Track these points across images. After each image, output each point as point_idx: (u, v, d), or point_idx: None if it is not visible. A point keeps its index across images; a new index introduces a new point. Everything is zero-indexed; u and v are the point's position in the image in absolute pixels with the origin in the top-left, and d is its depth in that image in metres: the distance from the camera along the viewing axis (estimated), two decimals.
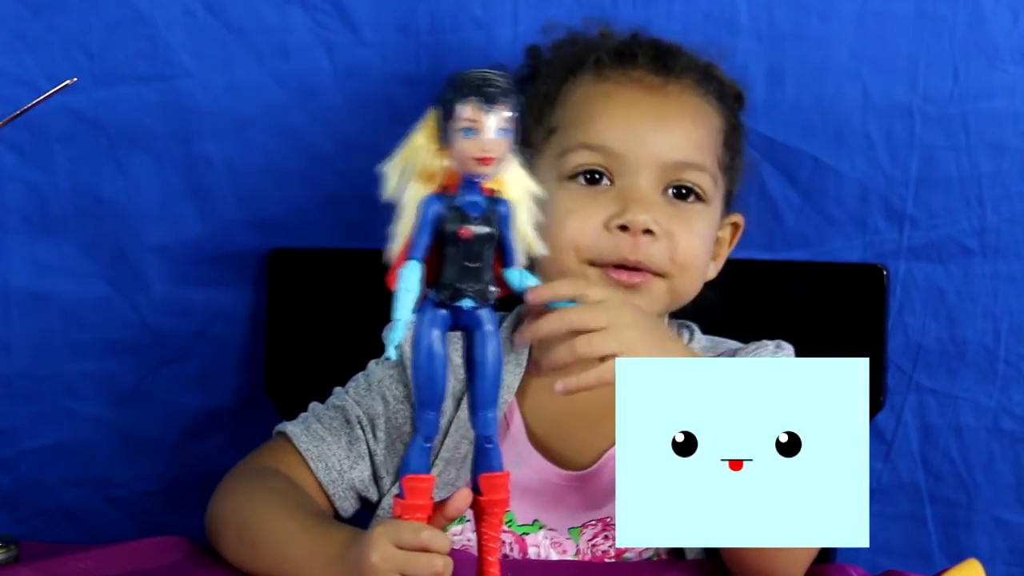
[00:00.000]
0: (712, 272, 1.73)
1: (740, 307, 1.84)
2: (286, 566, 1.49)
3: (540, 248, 1.34)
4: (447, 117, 1.28)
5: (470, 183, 1.30)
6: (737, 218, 1.75)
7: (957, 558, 1.61)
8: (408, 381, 1.66)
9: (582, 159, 1.64)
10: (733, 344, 1.73)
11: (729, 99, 1.74)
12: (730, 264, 1.75)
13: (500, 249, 1.32)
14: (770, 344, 1.69)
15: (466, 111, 1.27)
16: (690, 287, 1.68)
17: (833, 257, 1.90)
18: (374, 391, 1.67)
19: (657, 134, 1.65)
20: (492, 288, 1.32)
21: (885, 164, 1.88)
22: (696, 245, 1.66)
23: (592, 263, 1.63)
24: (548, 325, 1.42)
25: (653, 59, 1.70)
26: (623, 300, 1.48)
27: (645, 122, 1.66)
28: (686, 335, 1.73)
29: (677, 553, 1.63)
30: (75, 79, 1.58)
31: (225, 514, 1.59)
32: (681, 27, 1.87)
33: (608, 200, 1.63)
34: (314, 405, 1.70)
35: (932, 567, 1.83)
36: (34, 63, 1.88)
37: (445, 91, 1.28)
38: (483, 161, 1.28)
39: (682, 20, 1.88)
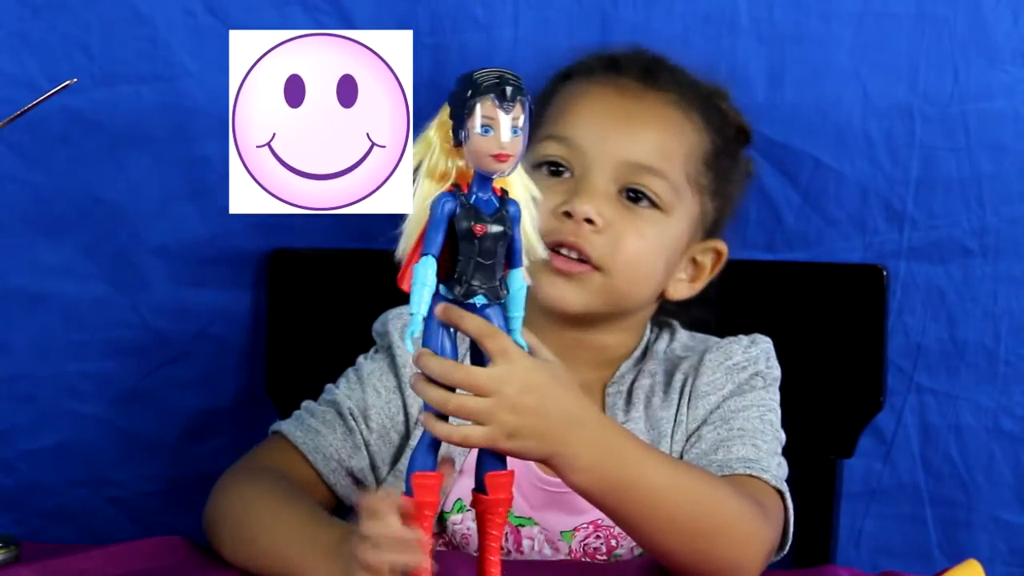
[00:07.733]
0: (684, 292, 1.72)
1: (740, 307, 1.83)
2: (284, 562, 1.49)
3: (541, 251, 1.35)
4: (462, 115, 1.28)
5: (482, 182, 1.31)
6: (719, 245, 1.73)
7: (957, 558, 1.61)
8: (399, 371, 1.67)
9: (548, 150, 1.67)
10: (713, 340, 1.73)
11: (726, 128, 1.73)
12: (730, 264, 1.75)
13: (507, 249, 1.32)
14: (744, 338, 1.69)
15: (483, 109, 1.28)
16: (633, 290, 1.67)
17: (833, 257, 1.90)
18: (365, 384, 1.68)
19: (620, 134, 1.66)
20: (503, 287, 1.32)
21: (885, 165, 1.88)
22: (641, 247, 1.65)
23: None
24: (437, 367, 1.32)
25: (643, 70, 1.71)
26: (543, 371, 1.37)
27: (612, 120, 1.67)
28: (666, 334, 1.73)
29: None
30: (75, 79, 1.58)
31: (223, 512, 1.59)
32: (681, 28, 1.87)
33: (562, 190, 1.65)
34: (307, 403, 1.70)
35: (932, 567, 1.83)
36: (34, 63, 1.88)
37: (460, 89, 1.29)
38: (499, 158, 1.29)
39: (682, 21, 1.88)
